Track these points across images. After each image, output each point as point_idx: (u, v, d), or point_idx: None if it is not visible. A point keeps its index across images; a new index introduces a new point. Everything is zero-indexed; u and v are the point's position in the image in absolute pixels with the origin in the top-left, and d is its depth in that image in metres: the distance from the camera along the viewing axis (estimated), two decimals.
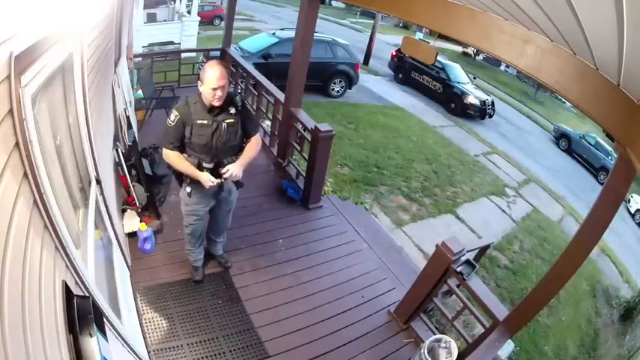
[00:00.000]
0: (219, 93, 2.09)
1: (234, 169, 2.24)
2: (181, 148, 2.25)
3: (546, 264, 6.09)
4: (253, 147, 2.36)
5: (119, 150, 3.03)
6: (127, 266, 2.68)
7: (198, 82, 2.16)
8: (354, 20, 23.70)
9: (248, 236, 3.32)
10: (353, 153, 7.55)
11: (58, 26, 1.34)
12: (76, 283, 1.26)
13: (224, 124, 2.21)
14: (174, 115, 2.16)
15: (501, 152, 10.31)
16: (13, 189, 0.88)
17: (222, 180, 2.27)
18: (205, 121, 2.17)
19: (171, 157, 2.23)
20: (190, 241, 2.70)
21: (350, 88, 10.22)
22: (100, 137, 2.34)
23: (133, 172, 3.25)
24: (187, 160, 2.25)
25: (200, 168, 2.27)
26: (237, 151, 2.34)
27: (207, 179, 2.22)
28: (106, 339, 1.28)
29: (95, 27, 2.30)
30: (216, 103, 2.12)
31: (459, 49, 21.68)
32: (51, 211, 1.06)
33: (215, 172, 2.28)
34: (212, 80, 2.06)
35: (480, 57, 21.33)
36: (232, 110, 2.23)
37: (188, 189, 2.37)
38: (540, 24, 1.42)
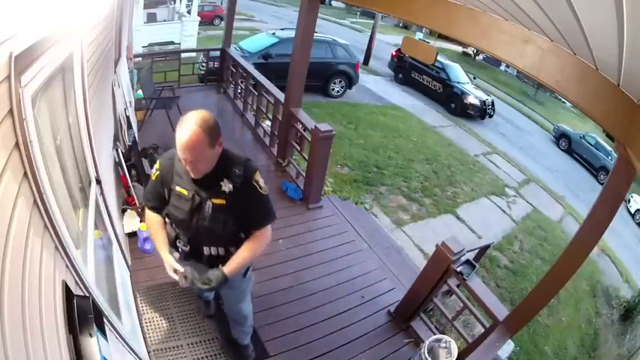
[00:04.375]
0: (188, 165, 1.45)
1: (214, 282, 1.56)
2: (162, 210, 1.69)
3: (546, 264, 6.09)
4: (254, 248, 1.63)
5: (119, 150, 3.03)
6: (127, 266, 2.68)
7: None
8: (354, 20, 23.69)
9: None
10: (353, 153, 7.55)
11: (58, 26, 1.34)
12: (76, 283, 1.26)
13: (208, 204, 1.54)
14: (155, 169, 1.63)
15: (501, 152, 10.30)
16: (13, 189, 0.88)
17: (199, 282, 1.59)
18: (185, 192, 1.55)
19: (147, 220, 1.73)
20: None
21: (350, 88, 10.22)
22: (100, 137, 2.34)
23: (133, 172, 3.26)
24: (163, 230, 1.69)
25: (174, 244, 1.71)
26: (228, 242, 1.65)
27: (169, 268, 1.62)
28: (106, 339, 1.28)
29: (95, 27, 2.30)
30: (192, 175, 1.49)
31: (459, 49, 21.67)
32: (51, 211, 1.06)
33: (195, 256, 1.70)
34: (177, 145, 1.40)
35: (480, 57, 21.32)
36: (226, 187, 1.52)
37: (176, 254, 1.73)
38: (540, 24, 1.42)
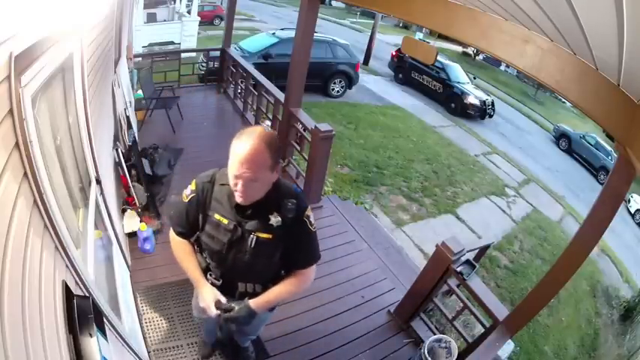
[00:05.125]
0: (240, 186, 1.24)
1: (235, 312, 1.40)
2: (192, 237, 1.50)
3: (546, 264, 6.09)
4: (294, 286, 1.46)
5: (119, 150, 3.03)
6: (127, 266, 2.68)
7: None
8: (354, 20, 23.70)
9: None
10: (353, 153, 7.55)
11: (58, 26, 1.34)
12: (76, 283, 1.26)
13: (252, 237, 1.35)
14: (190, 190, 1.41)
15: (501, 152, 10.31)
16: (13, 189, 0.88)
17: (226, 312, 1.41)
18: (225, 221, 1.36)
19: (173, 246, 1.51)
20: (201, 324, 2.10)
21: (350, 88, 10.22)
22: (100, 137, 2.34)
23: (133, 172, 3.26)
24: (194, 257, 1.51)
25: (205, 275, 1.52)
26: (268, 279, 1.48)
27: (209, 302, 1.41)
28: (106, 339, 1.28)
29: (95, 27, 2.30)
30: (239, 200, 1.29)
31: (459, 49, 21.68)
32: (51, 211, 1.06)
33: (227, 292, 1.47)
34: (233, 160, 1.22)
35: (480, 57, 21.33)
36: (274, 219, 1.34)
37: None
38: (540, 24, 1.42)
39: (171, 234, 1.51)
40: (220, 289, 1.47)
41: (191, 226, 1.44)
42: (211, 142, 4.96)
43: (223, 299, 1.42)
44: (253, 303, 1.42)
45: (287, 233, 1.36)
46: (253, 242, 1.35)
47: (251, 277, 1.48)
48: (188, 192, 1.41)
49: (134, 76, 5.26)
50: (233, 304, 1.41)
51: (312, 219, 1.42)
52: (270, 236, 1.35)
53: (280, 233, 1.35)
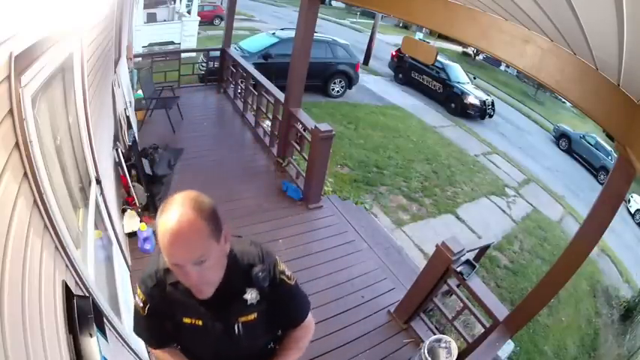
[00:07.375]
0: (190, 277, 0.93)
1: None
2: (172, 343, 1.23)
3: (546, 264, 6.09)
4: (302, 344, 1.28)
5: (119, 150, 3.03)
6: (127, 266, 2.68)
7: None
8: (354, 20, 23.70)
9: (247, 237, 3.31)
10: (353, 153, 7.55)
11: (58, 26, 1.34)
12: (76, 283, 1.26)
13: (238, 326, 1.12)
14: (140, 300, 1.11)
15: (501, 152, 10.30)
16: (13, 189, 0.88)
17: None
18: (199, 322, 1.10)
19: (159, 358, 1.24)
20: None
21: (350, 88, 10.22)
22: (100, 137, 2.34)
23: (133, 172, 3.26)
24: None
25: None
26: (269, 349, 1.30)
27: None
28: (106, 339, 1.28)
29: (95, 27, 2.30)
30: (199, 295, 1.00)
31: (459, 49, 21.69)
32: (51, 211, 1.06)
33: None
34: (163, 244, 0.89)
35: (480, 57, 21.33)
36: (250, 296, 1.11)
37: None
38: (540, 24, 1.42)
39: (151, 350, 1.25)
40: None
41: (164, 335, 1.19)
42: (211, 142, 4.96)
43: None
44: None
45: (271, 303, 1.14)
46: (240, 330, 1.13)
47: (254, 358, 1.27)
48: (140, 303, 1.12)
49: (134, 76, 5.26)
50: None
51: (287, 272, 1.19)
52: (254, 316, 1.13)
53: (263, 307, 1.13)
